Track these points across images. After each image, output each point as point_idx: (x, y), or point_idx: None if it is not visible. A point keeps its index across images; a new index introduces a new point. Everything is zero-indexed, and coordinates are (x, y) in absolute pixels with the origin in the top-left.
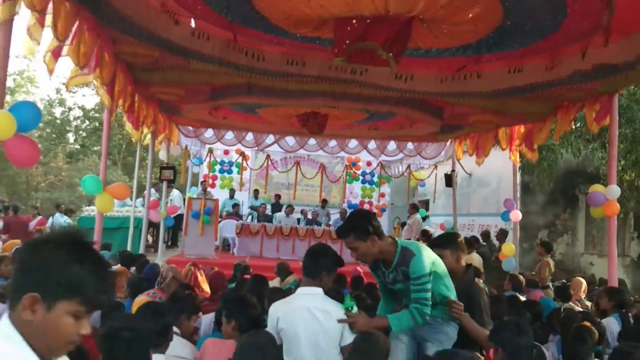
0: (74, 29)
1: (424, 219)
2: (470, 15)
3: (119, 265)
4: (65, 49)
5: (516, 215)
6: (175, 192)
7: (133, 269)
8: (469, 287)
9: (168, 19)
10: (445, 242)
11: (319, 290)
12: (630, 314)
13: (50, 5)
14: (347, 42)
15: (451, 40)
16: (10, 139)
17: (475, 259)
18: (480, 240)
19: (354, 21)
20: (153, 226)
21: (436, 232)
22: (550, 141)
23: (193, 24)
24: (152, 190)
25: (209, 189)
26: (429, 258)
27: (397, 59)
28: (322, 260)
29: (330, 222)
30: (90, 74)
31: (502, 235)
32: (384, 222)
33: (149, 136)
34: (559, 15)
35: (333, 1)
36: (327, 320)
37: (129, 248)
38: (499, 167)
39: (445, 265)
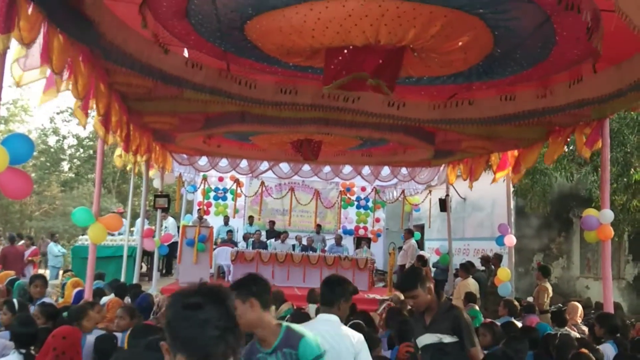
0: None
1: (419, 243)
2: (460, 43)
3: (113, 295)
4: (63, 84)
5: (511, 239)
6: (169, 220)
7: (127, 299)
8: (449, 312)
9: (160, 49)
10: (413, 282)
11: (336, 318)
12: (628, 339)
13: (41, 38)
14: (338, 71)
15: (442, 68)
16: (3, 172)
17: (471, 284)
18: (480, 265)
19: (345, 51)
20: (147, 254)
21: (432, 257)
22: (543, 165)
23: (186, 53)
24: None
25: (205, 217)
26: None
27: (391, 86)
28: (338, 289)
29: (326, 248)
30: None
31: (497, 259)
32: (379, 247)
33: (142, 165)
34: (549, 43)
35: (324, 32)
36: (341, 345)
37: (122, 277)
38: (493, 191)
39: (420, 304)
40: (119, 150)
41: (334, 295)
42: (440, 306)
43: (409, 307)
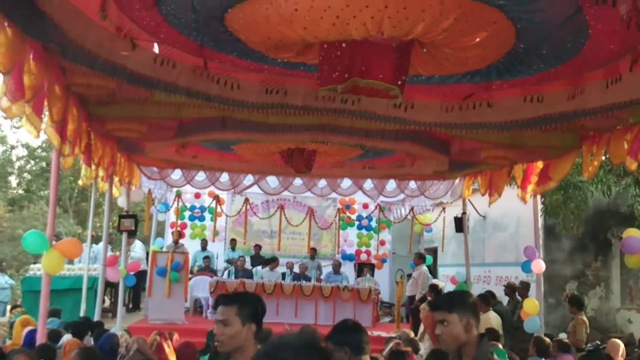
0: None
1: (431, 270)
2: (477, 39)
3: (70, 335)
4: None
5: (539, 265)
6: (137, 244)
7: (88, 338)
8: None
9: (125, 44)
10: (451, 303)
11: None
12: None
13: None
14: (336, 70)
15: (455, 66)
16: None
17: (493, 318)
18: (504, 295)
19: (344, 45)
20: (111, 286)
21: (446, 286)
22: (577, 177)
23: (156, 49)
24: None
25: (181, 241)
26: None
27: (400, 88)
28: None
29: (322, 277)
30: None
31: (524, 289)
32: (384, 274)
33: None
34: (580, 37)
35: (317, 23)
36: None
37: (82, 313)
38: (517, 208)
39: (448, 335)
40: (86, 170)
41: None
42: (479, 350)
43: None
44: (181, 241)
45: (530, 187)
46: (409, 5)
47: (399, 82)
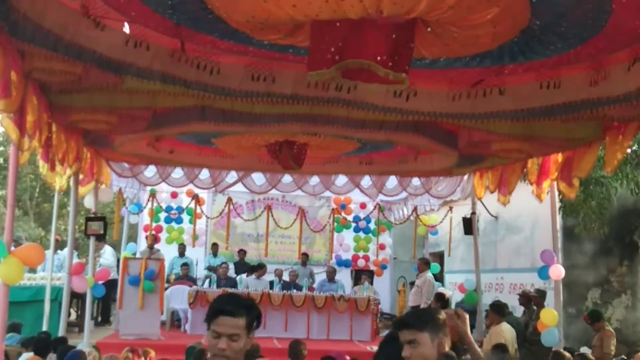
0: None
1: (437, 277)
2: (488, 16)
3: (31, 353)
4: None
5: (557, 271)
6: (107, 250)
7: (51, 356)
8: None
9: (92, 23)
10: (422, 321)
11: None
12: None
13: None
14: (329, 53)
15: (464, 47)
16: None
17: (506, 331)
18: (517, 305)
19: (338, 24)
20: (77, 298)
21: (454, 295)
22: (599, 172)
23: (127, 29)
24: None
25: (156, 246)
26: None
27: (404, 73)
28: None
29: (315, 285)
30: None
31: (540, 297)
32: (384, 282)
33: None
34: (602, 12)
35: (309, 0)
36: None
37: (44, 328)
38: (533, 207)
39: (419, 357)
40: (43, 167)
41: None
42: None
43: None
44: (156, 246)
45: (546, 183)
46: None
47: (405, 67)
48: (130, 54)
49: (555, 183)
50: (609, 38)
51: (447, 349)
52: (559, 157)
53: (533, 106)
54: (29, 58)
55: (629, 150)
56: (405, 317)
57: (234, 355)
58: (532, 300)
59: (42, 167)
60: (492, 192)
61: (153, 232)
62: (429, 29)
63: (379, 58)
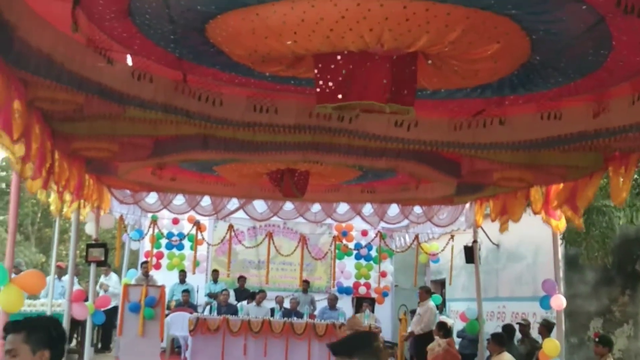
0: None
1: (438, 306)
2: (489, 52)
3: None
4: None
5: (559, 301)
6: (112, 278)
7: None
8: None
9: (97, 56)
10: (351, 347)
11: None
12: None
13: None
14: (335, 84)
15: (464, 79)
16: None
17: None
18: (517, 334)
19: (339, 57)
20: (77, 324)
21: (456, 323)
22: (602, 201)
23: (130, 61)
24: (102, 276)
25: (151, 273)
26: None
27: (410, 105)
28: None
29: (316, 313)
30: None
31: (545, 328)
32: (385, 310)
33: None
34: (602, 48)
35: (309, 36)
36: None
37: None
38: (535, 235)
39: None
40: (48, 195)
41: None
42: None
43: None
44: (157, 273)
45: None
46: (412, 17)
47: (411, 100)
48: (134, 85)
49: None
50: (610, 72)
51: None
52: (561, 186)
53: (534, 137)
54: (33, 88)
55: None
56: (336, 344)
57: None
58: (538, 330)
59: (40, 193)
60: (492, 221)
61: (145, 260)
62: (429, 62)
63: (383, 94)
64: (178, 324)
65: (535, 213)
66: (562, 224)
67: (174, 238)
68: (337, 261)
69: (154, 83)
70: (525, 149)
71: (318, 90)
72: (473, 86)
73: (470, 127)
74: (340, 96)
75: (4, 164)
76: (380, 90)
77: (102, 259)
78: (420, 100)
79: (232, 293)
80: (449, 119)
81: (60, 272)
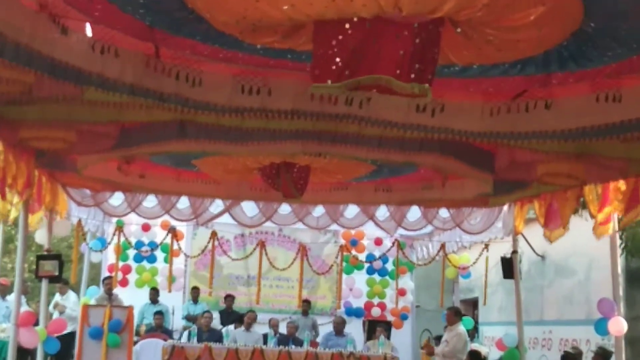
0: None
1: (469, 331)
2: (531, 17)
3: None
4: None
5: (618, 324)
6: (70, 297)
7: None
8: None
9: (50, 25)
10: None
11: None
12: None
13: None
14: (335, 62)
15: (501, 52)
16: None
17: None
18: None
19: (347, 25)
20: (26, 354)
21: (491, 352)
22: None
23: (89, 31)
24: (57, 295)
25: (116, 291)
26: None
27: (429, 83)
28: None
29: (318, 339)
30: None
31: (602, 358)
32: (405, 337)
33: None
34: None
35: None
36: None
37: None
38: (588, 245)
39: None
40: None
41: None
42: None
43: None
44: (121, 291)
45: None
46: None
47: (428, 77)
48: (96, 61)
49: (615, 215)
50: None
51: None
52: (621, 184)
53: (587, 123)
54: None
55: None
56: None
57: None
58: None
59: None
60: (542, 227)
61: (111, 275)
62: (458, 30)
63: (398, 71)
64: (149, 353)
65: (592, 216)
66: (610, 229)
67: (144, 248)
68: (345, 276)
69: (119, 58)
70: (576, 138)
71: (316, 66)
72: (512, 61)
73: (510, 112)
74: (347, 72)
75: None
76: (397, 64)
77: (56, 273)
78: (447, 79)
79: (216, 315)
80: (483, 103)
81: (5, 289)
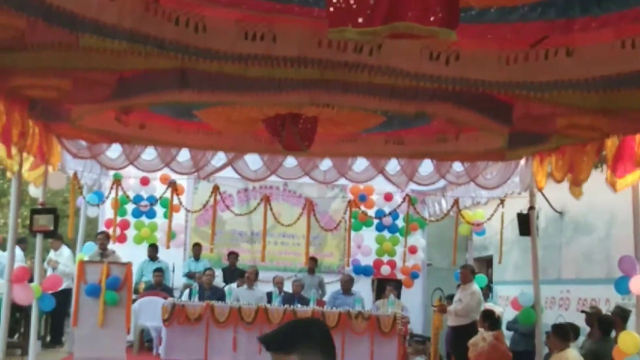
0: None
1: (483, 290)
2: None
3: None
4: None
5: None
6: (64, 252)
7: None
8: None
9: None
10: (289, 340)
11: None
12: None
13: None
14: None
15: None
16: None
17: (572, 359)
18: (585, 325)
19: None
20: (20, 311)
21: (505, 312)
22: None
23: None
24: (51, 251)
25: (110, 247)
26: None
27: (453, 28)
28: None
29: (325, 298)
30: None
31: (620, 317)
32: (415, 295)
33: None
34: None
35: None
36: None
37: None
38: (609, 200)
39: None
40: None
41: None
42: None
43: None
44: (119, 247)
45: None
46: None
47: (457, 21)
48: (91, 6)
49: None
50: None
51: None
52: None
53: (611, 72)
54: None
55: None
56: (269, 336)
57: None
58: (610, 322)
59: None
60: (559, 182)
61: (115, 230)
62: None
63: (432, 18)
64: (149, 312)
65: (611, 171)
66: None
67: (142, 203)
68: (353, 233)
69: (116, 2)
70: (599, 88)
71: (332, 9)
72: (532, 3)
73: (528, 61)
74: (360, 20)
75: None
76: (422, 7)
77: (51, 228)
78: (462, 25)
79: (218, 273)
80: (500, 50)
81: None
